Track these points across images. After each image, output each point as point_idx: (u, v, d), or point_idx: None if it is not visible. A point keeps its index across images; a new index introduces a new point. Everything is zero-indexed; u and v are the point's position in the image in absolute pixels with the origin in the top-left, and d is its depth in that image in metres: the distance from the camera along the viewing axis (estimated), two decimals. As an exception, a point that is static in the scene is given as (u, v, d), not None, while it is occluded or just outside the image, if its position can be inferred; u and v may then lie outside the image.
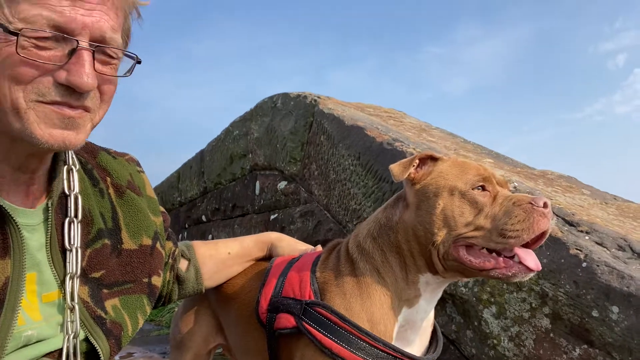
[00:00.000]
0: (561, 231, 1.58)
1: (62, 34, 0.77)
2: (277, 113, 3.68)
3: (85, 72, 0.78)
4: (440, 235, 1.03)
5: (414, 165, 1.09)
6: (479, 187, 1.04)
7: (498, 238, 0.99)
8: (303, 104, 3.33)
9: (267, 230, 3.71)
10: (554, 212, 1.69)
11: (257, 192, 3.98)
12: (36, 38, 0.75)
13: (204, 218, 5.25)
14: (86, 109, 0.83)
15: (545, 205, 0.98)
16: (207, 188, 5.12)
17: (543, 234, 0.98)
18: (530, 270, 0.99)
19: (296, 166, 3.33)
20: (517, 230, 0.96)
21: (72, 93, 0.79)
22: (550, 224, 0.99)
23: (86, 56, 0.79)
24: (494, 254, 1.01)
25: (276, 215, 3.64)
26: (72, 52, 0.78)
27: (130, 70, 0.90)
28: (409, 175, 1.09)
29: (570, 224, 1.64)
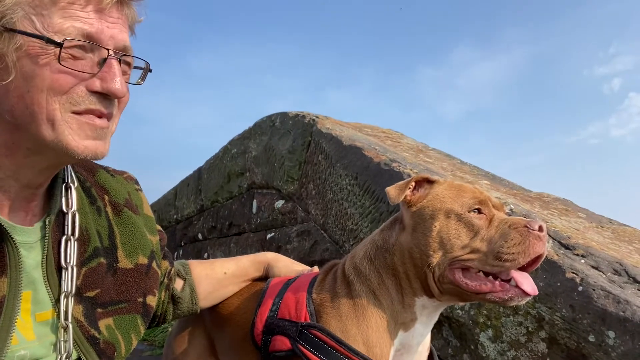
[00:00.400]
0: (557, 254, 1.58)
1: (96, 44, 0.82)
2: (275, 132, 3.71)
3: (119, 80, 0.84)
4: (436, 257, 1.03)
5: (410, 188, 1.10)
6: (475, 210, 1.05)
7: (494, 261, 0.99)
8: (301, 124, 3.35)
9: (263, 249, 3.70)
10: (549, 235, 1.69)
11: (254, 210, 3.97)
12: (71, 48, 0.80)
13: (200, 236, 5.23)
14: (109, 117, 0.87)
15: (540, 229, 0.99)
16: (204, 206, 5.11)
17: (539, 257, 0.99)
18: (526, 294, 0.99)
19: (294, 185, 3.34)
20: (513, 253, 0.97)
21: (103, 100, 0.85)
22: (545, 248, 0.99)
23: (115, 64, 0.85)
24: (490, 277, 1.01)
25: (273, 234, 3.63)
26: (103, 61, 0.84)
27: (143, 77, 0.95)
28: (405, 198, 1.10)
29: (566, 247, 1.64)
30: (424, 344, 1.13)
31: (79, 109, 0.82)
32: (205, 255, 4.99)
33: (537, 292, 1.00)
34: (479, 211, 1.05)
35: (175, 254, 5.88)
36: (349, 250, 2.64)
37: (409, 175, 2.24)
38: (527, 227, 0.99)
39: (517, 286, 0.99)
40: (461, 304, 1.13)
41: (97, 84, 0.83)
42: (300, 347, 1.05)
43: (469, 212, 1.04)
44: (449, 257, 1.02)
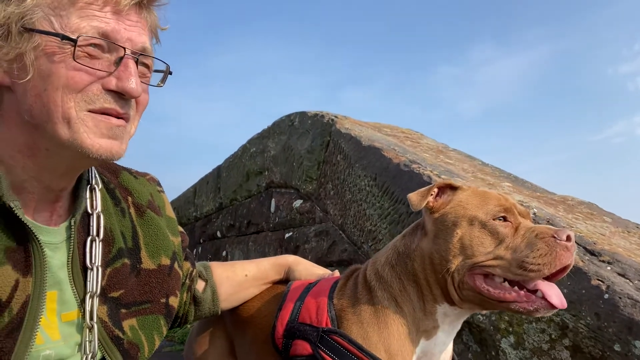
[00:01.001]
0: (582, 261, 1.55)
1: (113, 42, 0.83)
2: (294, 131, 3.71)
3: (134, 79, 0.85)
4: (455, 262, 1.01)
5: (432, 194, 1.09)
6: (501, 218, 1.02)
7: (517, 270, 0.97)
8: (320, 123, 3.35)
9: (281, 249, 3.71)
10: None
11: (272, 209, 3.99)
12: (87, 47, 0.81)
13: (218, 234, 5.27)
14: (127, 119, 0.88)
15: (568, 239, 0.96)
16: (223, 204, 5.15)
17: (565, 267, 0.96)
18: (553, 307, 0.96)
19: (312, 185, 3.34)
20: (539, 264, 0.95)
21: (119, 100, 0.85)
22: (573, 258, 0.97)
23: (132, 64, 0.85)
24: (515, 287, 0.99)
25: (291, 233, 3.64)
26: (120, 60, 0.84)
27: (163, 80, 0.96)
28: (427, 204, 1.08)
29: (592, 253, 1.60)
30: (447, 352, 1.12)
31: (94, 108, 0.82)
32: (224, 253, 5.03)
33: (565, 306, 0.97)
34: (505, 219, 1.03)
35: (195, 251, 5.94)
36: (367, 251, 2.63)
37: (429, 177, 2.21)
38: (554, 237, 0.96)
39: (543, 297, 0.96)
40: (483, 312, 1.10)
41: (112, 83, 0.83)
42: (321, 352, 1.04)
43: (493, 219, 1.02)
44: (469, 263, 1.00)
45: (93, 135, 0.83)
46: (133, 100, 0.88)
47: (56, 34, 0.79)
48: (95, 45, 0.82)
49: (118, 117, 0.86)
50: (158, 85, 0.95)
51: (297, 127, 3.67)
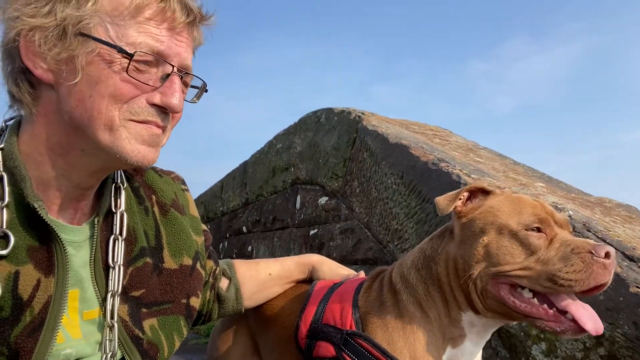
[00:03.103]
0: (620, 267, 1.47)
1: (163, 59, 0.85)
2: (320, 128, 3.69)
3: (177, 96, 0.87)
4: (478, 268, 0.97)
5: (461, 199, 1.04)
6: (535, 229, 0.96)
7: (546, 282, 0.91)
8: (347, 120, 3.32)
9: (306, 245, 3.70)
10: (611, 245, 1.58)
11: (297, 206, 3.98)
12: (138, 62, 0.82)
13: (244, 229, 5.31)
14: (164, 129, 0.90)
15: (607, 256, 0.89)
16: (249, 199, 5.18)
17: (601, 285, 0.89)
18: (583, 331, 0.89)
19: (338, 182, 3.31)
20: (571, 279, 0.88)
21: (160, 113, 0.87)
22: (611, 277, 0.89)
23: (177, 81, 0.88)
24: (545, 305, 0.93)
25: (316, 230, 3.62)
26: (167, 76, 0.87)
27: (198, 96, 0.98)
28: (455, 208, 1.04)
29: (631, 259, 1.53)
30: None
31: (137, 119, 0.85)
32: (249, 248, 5.07)
33: (601, 331, 0.89)
34: (539, 230, 0.96)
35: (220, 245, 6.01)
36: (393, 251, 2.59)
37: (458, 176, 2.15)
38: (592, 252, 0.89)
39: (573, 320, 0.90)
40: (511, 323, 1.05)
41: (157, 98, 0.86)
42: (345, 355, 1.02)
43: (526, 230, 0.96)
44: (492, 271, 0.96)
45: (134, 141, 0.85)
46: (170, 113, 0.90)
47: (114, 46, 0.80)
48: (145, 61, 0.83)
49: (158, 128, 0.88)
50: (192, 101, 0.98)
51: (324, 124, 3.65)
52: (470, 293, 0.99)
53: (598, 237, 1.63)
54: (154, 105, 0.86)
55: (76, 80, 0.80)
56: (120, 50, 0.80)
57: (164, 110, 0.87)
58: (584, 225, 1.68)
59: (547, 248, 0.94)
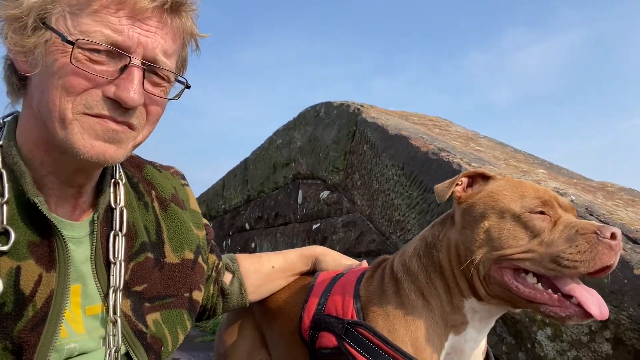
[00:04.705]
0: (624, 249, 1.47)
1: (117, 49, 0.80)
2: (320, 122, 3.68)
3: (133, 88, 0.81)
4: (479, 253, 0.96)
5: (459, 184, 1.04)
6: (538, 212, 0.95)
7: (550, 264, 0.89)
8: (346, 113, 3.31)
9: (309, 240, 3.70)
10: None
11: (299, 201, 3.98)
12: (90, 51, 0.78)
13: (247, 226, 5.31)
14: (130, 126, 0.85)
15: (613, 237, 0.87)
16: (251, 196, 5.18)
17: (606, 267, 0.87)
18: (589, 316, 0.87)
19: (339, 176, 3.31)
20: (575, 260, 0.87)
21: (118, 108, 0.82)
22: (617, 258, 0.87)
23: (136, 73, 0.82)
24: (549, 290, 0.92)
25: (318, 224, 3.62)
26: (124, 68, 0.81)
27: (179, 95, 0.92)
28: (454, 194, 1.03)
29: (634, 241, 1.52)
30: (479, 349, 1.07)
31: (90, 113, 0.80)
32: (252, 244, 5.07)
33: (606, 316, 0.87)
34: (542, 213, 0.95)
35: (224, 243, 6.02)
36: (396, 242, 2.59)
37: (459, 165, 2.15)
38: (596, 233, 0.88)
39: (579, 305, 0.88)
40: (515, 310, 1.04)
41: (111, 91, 0.80)
42: (346, 345, 1.02)
43: (529, 212, 0.94)
44: (495, 255, 0.94)
45: (87, 136, 0.80)
46: (139, 109, 0.85)
47: (59, 34, 0.77)
48: (99, 51, 0.79)
49: (117, 123, 0.83)
50: (173, 99, 0.92)
51: (323, 118, 3.64)
52: (473, 279, 0.98)
53: (601, 220, 1.63)
54: (109, 98, 0.80)
55: (36, 72, 0.78)
56: (64, 39, 0.76)
57: (121, 105, 0.81)
58: (587, 209, 1.67)
59: (551, 230, 0.93)
